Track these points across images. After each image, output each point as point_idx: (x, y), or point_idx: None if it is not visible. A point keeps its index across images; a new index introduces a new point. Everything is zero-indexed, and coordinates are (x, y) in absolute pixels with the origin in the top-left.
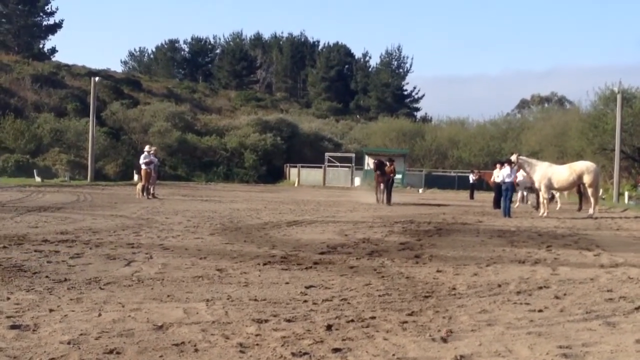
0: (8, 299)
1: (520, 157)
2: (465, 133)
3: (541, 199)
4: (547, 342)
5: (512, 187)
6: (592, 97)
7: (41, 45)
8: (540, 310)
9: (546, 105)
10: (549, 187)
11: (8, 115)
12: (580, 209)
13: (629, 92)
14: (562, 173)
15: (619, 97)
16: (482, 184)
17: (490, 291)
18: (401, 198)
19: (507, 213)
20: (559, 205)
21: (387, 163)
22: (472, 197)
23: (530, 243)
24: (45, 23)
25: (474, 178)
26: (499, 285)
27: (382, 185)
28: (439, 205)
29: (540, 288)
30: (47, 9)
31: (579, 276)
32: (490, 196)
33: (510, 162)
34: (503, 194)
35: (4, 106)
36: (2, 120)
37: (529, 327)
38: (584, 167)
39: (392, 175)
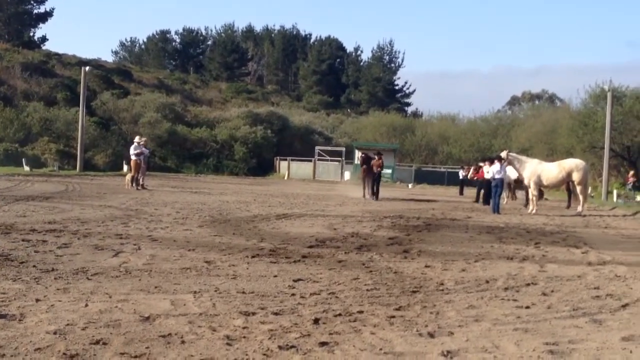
0: None
1: (510, 153)
2: (455, 129)
3: (530, 196)
4: (534, 338)
5: (502, 183)
6: (583, 95)
7: (31, 34)
8: (527, 307)
9: (537, 102)
10: (539, 184)
11: None
12: (569, 207)
13: (619, 90)
14: (551, 170)
15: (609, 95)
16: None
17: (478, 287)
18: (391, 193)
19: (496, 209)
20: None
21: (375, 157)
22: (461, 193)
23: (518, 240)
24: (36, 11)
25: (463, 174)
26: (487, 281)
27: (369, 180)
28: (428, 200)
29: (528, 285)
30: None
31: (566, 273)
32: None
33: (500, 159)
34: (492, 190)
35: None
36: None
37: (516, 323)
38: (573, 164)
39: (379, 169)
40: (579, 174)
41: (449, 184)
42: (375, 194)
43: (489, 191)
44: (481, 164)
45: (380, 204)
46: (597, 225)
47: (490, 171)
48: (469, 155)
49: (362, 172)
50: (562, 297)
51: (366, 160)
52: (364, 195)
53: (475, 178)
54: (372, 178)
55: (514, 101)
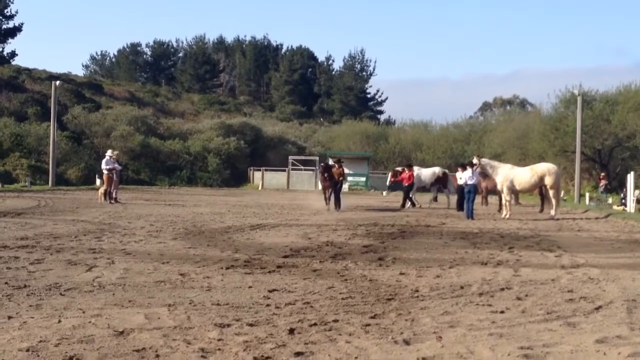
0: None
1: (482, 159)
2: (428, 136)
3: (504, 201)
4: (509, 343)
5: (475, 189)
6: (553, 99)
7: (1, 49)
8: (502, 312)
9: (508, 107)
10: (511, 189)
11: None
12: (542, 211)
13: (589, 94)
14: (524, 175)
15: (579, 99)
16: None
17: (453, 293)
18: (365, 201)
19: (470, 215)
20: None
21: (335, 165)
22: (435, 199)
23: (492, 245)
24: (4, 26)
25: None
26: (462, 287)
27: (329, 190)
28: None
29: (502, 289)
30: (7, 12)
31: (540, 277)
32: (453, 198)
33: (472, 165)
34: (465, 196)
35: None
36: None
37: (491, 329)
38: (545, 168)
39: (340, 178)
40: (552, 178)
41: (424, 190)
42: (336, 203)
43: (463, 197)
44: (399, 169)
45: (355, 212)
46: (570, 229)
47: (462, 177)
48: (443, 162)
49: (321, 181)
50: (536, 301)
51: (326, 169)
52: (326, 205)
53: (393, 182)
54: (334, 187)
55: (485, 107)
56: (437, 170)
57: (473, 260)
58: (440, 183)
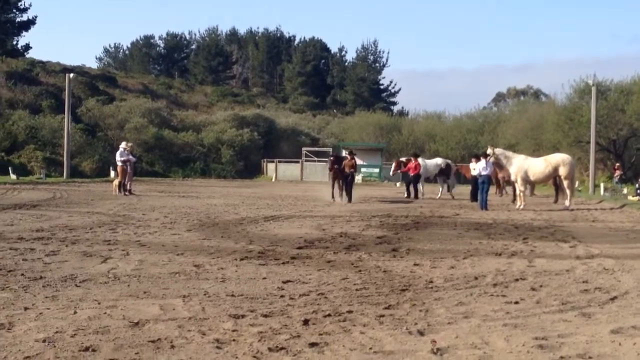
0: None
1: (496, 149)
2: (442, 127)
3: (518, 192)
4: (523, 333)
5: (489, 179)
6: (568, 90)
7: (15, 42)
8: (516, 302)
9: (522, 98)
10: (526, 179)
11: None
12: (556, 201)
13: (604, 84)
14: (538, 165)
15: (593, 89)
16: (459, 178)
17: (467, 284)
18: (378, 192)
19: (484, 206)
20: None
21: (347, 157)
22: (449, 190)
23: (507, 235)
24: (18, 19)
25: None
26: (476, 278)
27: (340, 182)
28: (430, 199)
29: (517, 280)
30: (20, 5)
31: (555, 268)
32: (467, 189)
33: (486, 155)
34: (479, 187)
35: None
36: None
37: (505, 319)
38: (559, 159)
39: (352, 170)
40: (566, 168)
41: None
42: (347, 196)
43: (476, 188)
44: (402, 159)
45: (369, 204)
46: (584, 219)
47: (476, 168)
48: (456, 153)
49: (332, 173)
50: (551, 292)
51: (337, 160)
52: (332, 198)
53: (399, 172)
54: (344, 179)
55: (499, 98)
56: (439, 161)
57: (487, 251)
58: (444, 174)
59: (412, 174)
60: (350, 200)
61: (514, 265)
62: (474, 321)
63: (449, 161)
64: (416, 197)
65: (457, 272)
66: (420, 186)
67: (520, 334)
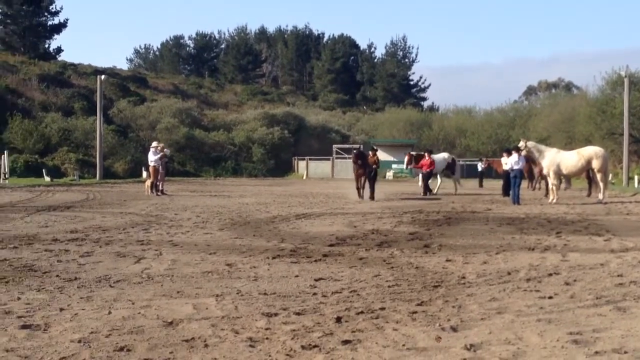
0: (19, 298)
1: (529, 142)
2: (472, 121)
3: (550, 186)
4: (557, 328)
5: (521, 174)
6: (600, 81)
7: (47, 45)
8: (550, 297)
9: (553, 91)
10: (558, 173)
11: (16, 116)
12: (589, 195)
13: (637, 75)
14: (570, 159)
15: (626, 81)
16: (491, 172)
17: (500, 279)
18: (409, 189)
19: (516, 200)
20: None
21: (370, 153)
22: (481, 185)
23: (539, 230)
24: (50, 23)
25: (482, 166)
26: (509, 273)
27: (363, 179)
28: (447, 194)
29: (550, 275)
30: (52, 8)
31: (589, 262)
32: (499, 184)
33: (518, 150)
34: (512, 181)
35: (11, 107)
36: (10, 121)
37: (539, 314)
38: (592, 152)
39: (375, 166)
40: (599, 161)
41: (468, 176)
42: (371, 193)
43: (508, 183)
44: (413, 153)
45: (400, 200)
46: (618, 212)
47: (508, 162)
48: (487, 148)
49: (355, 170)
50: (585, 286)
51: (359, 156)
52: (359, 196)
53: (412, 167)
54: (366, 176)
55: (530, 91)
56: (446, 156)
57: (520, 246)
58: (449, 169)
59: (425, 170)
60: (373, 197)
61: (548, 259)
62: (507, 317)
63: (454, 156)
64: (425, 193)
65: (489, 268)
66: (433, 182)
67: (554, 329)
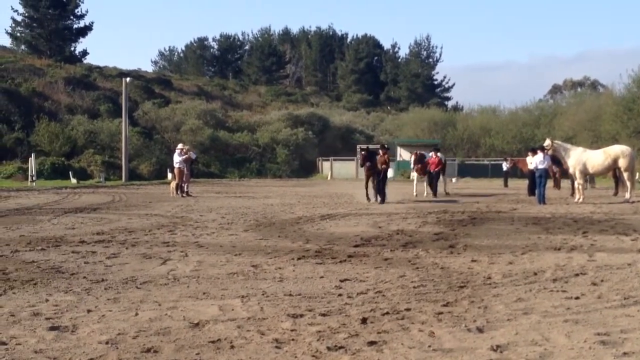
0: (47, 300)
1: (555, 142)
2: (497, 120)
3: (576, 185)
4: (585, 329)
5: (546, 173)
6: (626, 80)
7: (72, 48)
8: (577, 298)
9: (579, 89)
10: (584, 172)
11: (43, 119)
12: (616, 194)
13: None
14: (596, 158)
15: None
16: (516, 172)
17: (526, 279)
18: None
19: (542, 200)
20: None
21: (380, 152)
22: (506, 185)
23: (565, 229)
24: (75, 26)
25: (507, 166)
26: (535, 273)
27: (373, 179)
28: (472, 194)
29: (577, 275)
30: (77, 12)
31: (616, 262)
32: (524, 183)
33: (543, 149)
34: (537, 180)
35: (38, 110)
36: (37, 124)
37: (566, 315)
38: (619, 151)
39: (385, 166)
40: (625, 160)
41: (493, 176)
42: (381, 195)
43: (534, 182)
44: (423, 152)
45: (425, 200)
46: None
47: (533, 162)
48: (512, 147)
49: (365, 170)
50: (613, 286)
51: (369, 156)
52: (367, 198)
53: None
54: (377, 177)
55: (555, 90)
56: (439, 154)
57: (546, 246)
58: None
59: (432, 170)
60: (383, 200)
61: (574, 259)
62: (534, 317)
63: (444, 156)
64: (434, 194)
65: (515, 268)
66: (440, 182)
67: (581, 329)
